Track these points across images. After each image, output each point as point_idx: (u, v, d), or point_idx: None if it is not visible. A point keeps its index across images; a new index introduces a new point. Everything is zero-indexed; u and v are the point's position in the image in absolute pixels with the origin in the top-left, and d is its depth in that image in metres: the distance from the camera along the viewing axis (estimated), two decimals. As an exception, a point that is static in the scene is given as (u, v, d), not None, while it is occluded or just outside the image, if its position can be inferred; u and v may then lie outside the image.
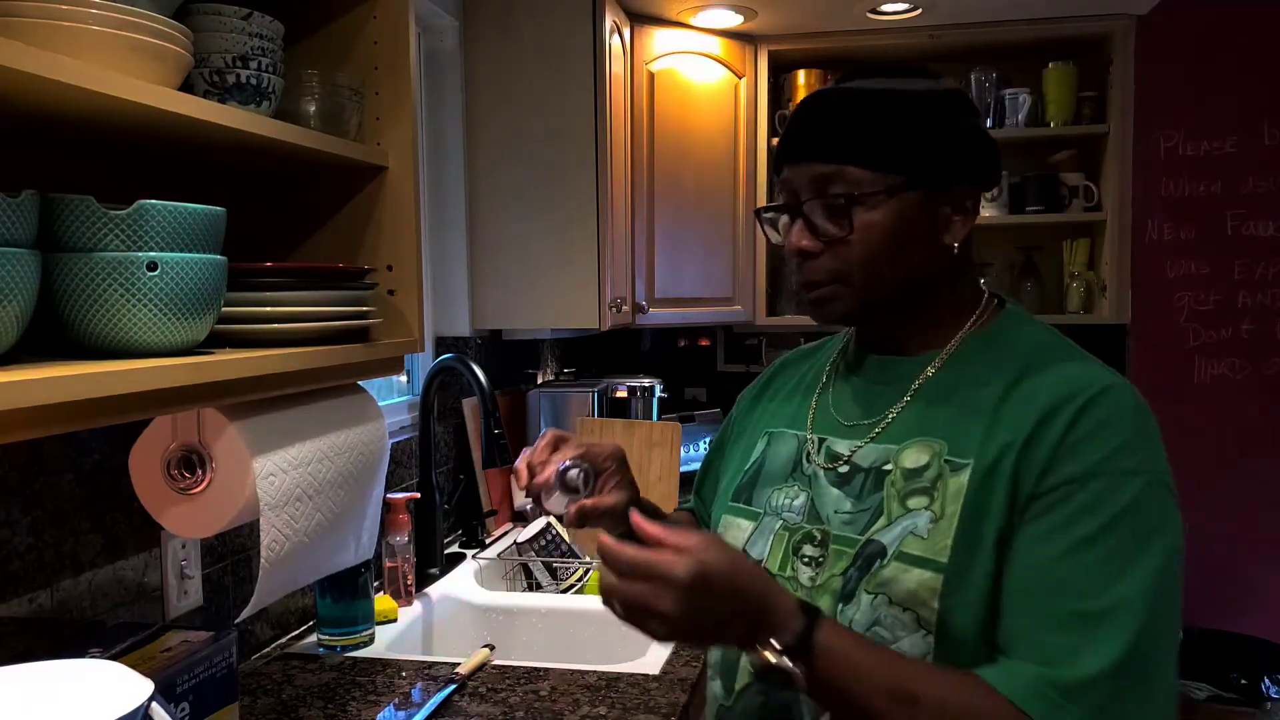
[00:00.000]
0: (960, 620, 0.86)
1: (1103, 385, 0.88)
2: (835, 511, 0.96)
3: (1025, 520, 0.86)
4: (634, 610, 0.83)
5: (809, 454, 1.02)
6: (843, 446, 1.00)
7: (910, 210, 0.93)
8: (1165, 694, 0.82)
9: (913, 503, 0.91)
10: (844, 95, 0.95)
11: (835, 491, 0.97)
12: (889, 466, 0.94)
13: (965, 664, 0.85)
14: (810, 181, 0.95)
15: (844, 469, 0.98)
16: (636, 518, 0.86)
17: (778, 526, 1.01)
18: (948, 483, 0.89)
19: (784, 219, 0.99)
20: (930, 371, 0.97)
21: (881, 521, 0.92)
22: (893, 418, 0.97)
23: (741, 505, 1.07)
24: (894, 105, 0.93)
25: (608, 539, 0.84)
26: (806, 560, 0.97)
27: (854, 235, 0.93)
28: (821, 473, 1.00)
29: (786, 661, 0.81)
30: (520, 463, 1.07)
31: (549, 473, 1.05)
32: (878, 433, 0.97)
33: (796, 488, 1.01)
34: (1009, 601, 0.85)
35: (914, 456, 0.93)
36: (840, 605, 0.92)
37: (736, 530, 1.06)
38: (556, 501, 1.06)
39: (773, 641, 0.82)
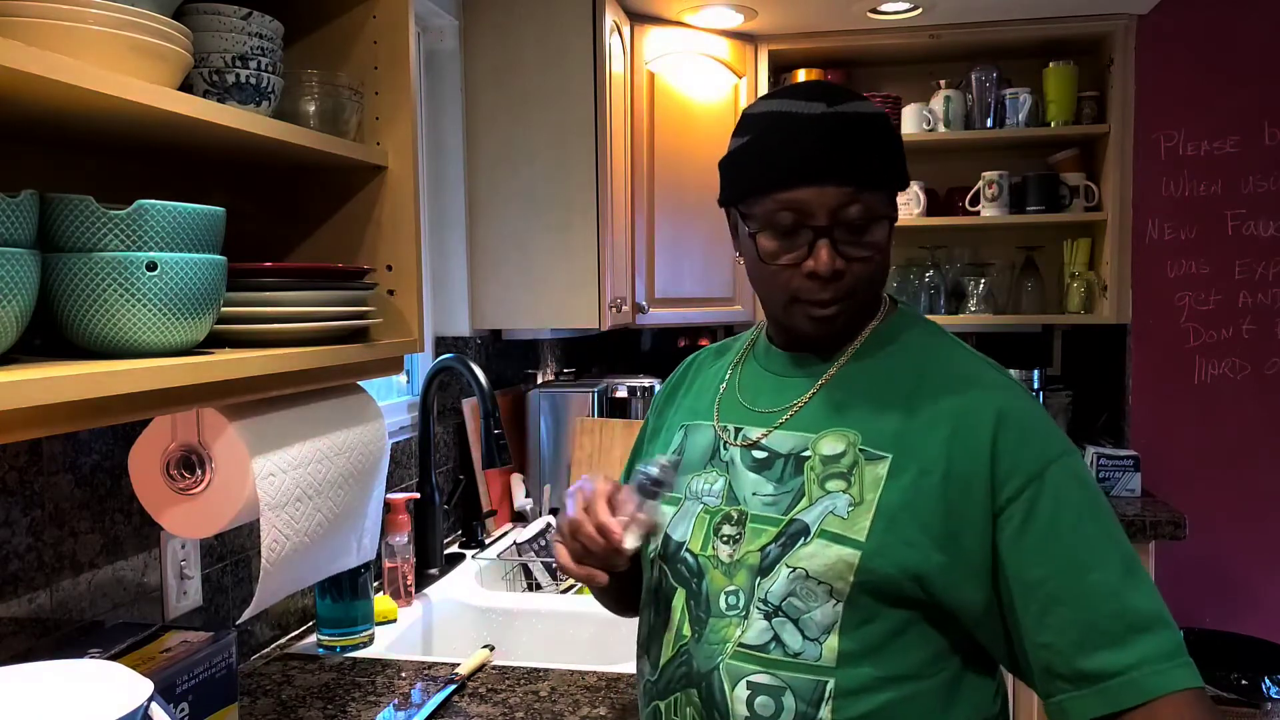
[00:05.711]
0: (869, 593, 0.96)
1: (999, 386, 1.01)
2: (754, 494, 1.04)
3: (1006, 533, 0.95)
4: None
5: (725, 442, 1.10)
6: (755, 432, 1.08)
7: (891, 226, 1.04)
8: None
9: (830, 485, 1.00)
10: (843, 120, 0.99)
11: (753, 476, 1.05)
12: (808, 453, 1.03)
13: (868, 628, 0.95)
14: (830, 204, 0.98)
15: (761, 454, 1.06)
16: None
17: (699, 510, 1.08)
18: (864, 471, 0.99)
19: (797, 238, 1.01)
20: (836, 365, 1.07)
21: (804, 503, 1.01)
22: (802, 406, 1.06)
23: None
24: (882, 129, 1.01)
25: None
26: (725, 539, 1.04)
27: (874, 256, 1.02)
28: (739, 457, 1.07)
29: None
30: (589, 528, 1.01)
31: (626, 500, 1.02)
32: (787, 419, 1.06)
33: (715, 473, 1.08)
34: (1030, 594, 0.94)
35: (830, 444, 1.02)
36: (758, 579, 1.00)
37: (661, 516, 1.12)
38: (636, 517, 1.01)
39: None
